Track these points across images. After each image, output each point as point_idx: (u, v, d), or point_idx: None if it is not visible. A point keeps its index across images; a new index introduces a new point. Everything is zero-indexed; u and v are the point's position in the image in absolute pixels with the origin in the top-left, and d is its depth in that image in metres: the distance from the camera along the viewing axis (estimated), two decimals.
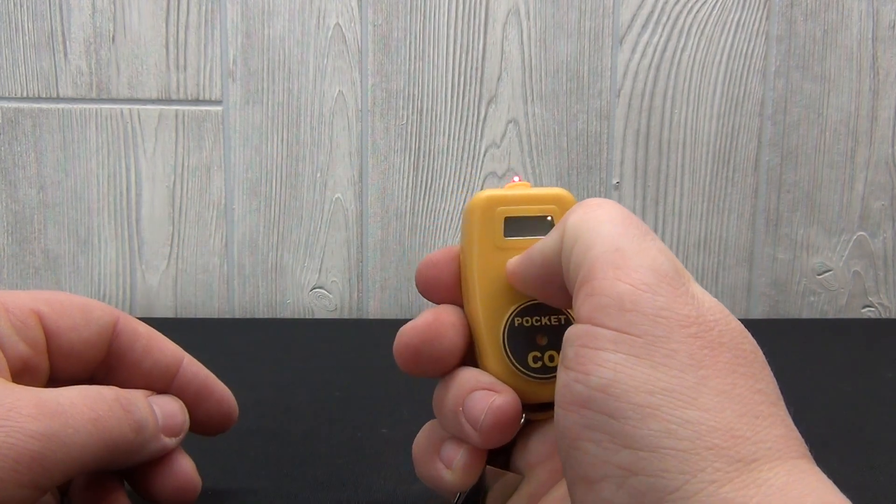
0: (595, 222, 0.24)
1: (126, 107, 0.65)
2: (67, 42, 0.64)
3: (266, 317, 0.68)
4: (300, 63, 0.65)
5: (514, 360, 0.28)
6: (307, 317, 0.68)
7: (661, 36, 0.66)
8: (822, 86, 0.66)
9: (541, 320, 0.28)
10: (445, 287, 0.30)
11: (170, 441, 0.30)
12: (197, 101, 0.65)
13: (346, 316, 0.68)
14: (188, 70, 0.65)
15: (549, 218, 0.29)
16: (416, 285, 0.30)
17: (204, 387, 0.33)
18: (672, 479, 0.19)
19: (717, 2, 0.65)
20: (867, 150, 0.67)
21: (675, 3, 0.65)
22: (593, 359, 0.21)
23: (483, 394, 0.27)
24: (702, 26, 0.66)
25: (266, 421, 0.43)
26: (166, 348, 0.32)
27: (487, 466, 0.28)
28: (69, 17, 0.64)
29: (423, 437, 0.29)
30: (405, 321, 0.29)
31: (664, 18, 0.66)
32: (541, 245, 0.26)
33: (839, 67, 0.66)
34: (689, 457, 0.20)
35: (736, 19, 0.66)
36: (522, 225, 0.29)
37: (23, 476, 0.24)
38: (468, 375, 0.28)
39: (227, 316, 0.67)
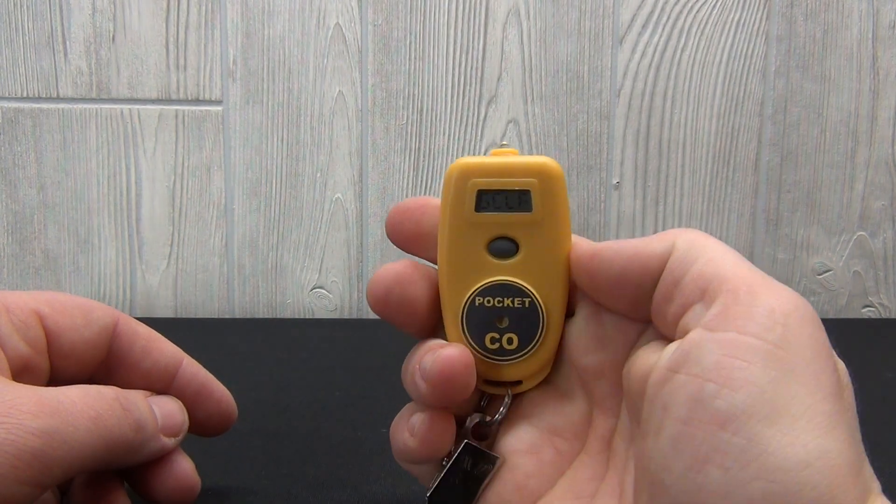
0: (720, 249, 0.24)
1: (126, 107, 0.65)
2: (67, 42, 0.64)
3: (266, 317, 0.68)
4: (300, 63, 0.65)
5: (471, 340, 0.27)
6: (307, 317, 0.68)
7: (661, 36, 0.66)
8: (822, 86, 0.66)
9: (503, 301, 0.27)
10: (412, 235, 0.28)
11: (169, 441, 0.30)
12: (197, 101, 0.65)
13: (346, 316, 0.68)
14: (188, 70, 0.65)
15: (527, 192, 0.27)
16: (386, 228, 0.29)
17: (203, 387, 0.33)
18: None
19: (717, 2, 0.65)
20: (867, 150, 0.67)
21: (675, 3, 0.65)
22: (742, 372, 0.20)
23: (436, 348, 0.27)
24: (702, 26, 0.66)
25: (266, 421, 0.43)
26: (166, 349, 0.32)
27: (467, 444, 0.28)
28: (69, 17, 0.64)
29: (399, 414, 0.29)
30: None
31: (664, 18, 0.66)
32: (633, 249, 0.25)
33: (839, 67, 0.66)
34: (824, 492, 0.19)
35: (736, 19, 0.66)
36: (498, 199, 0.27)
37: (23, 473, 0.24)
38: (431, 342, 0.28)
39: (227, 316, 0.67)
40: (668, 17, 0.66)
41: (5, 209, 0.66)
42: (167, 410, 0.30)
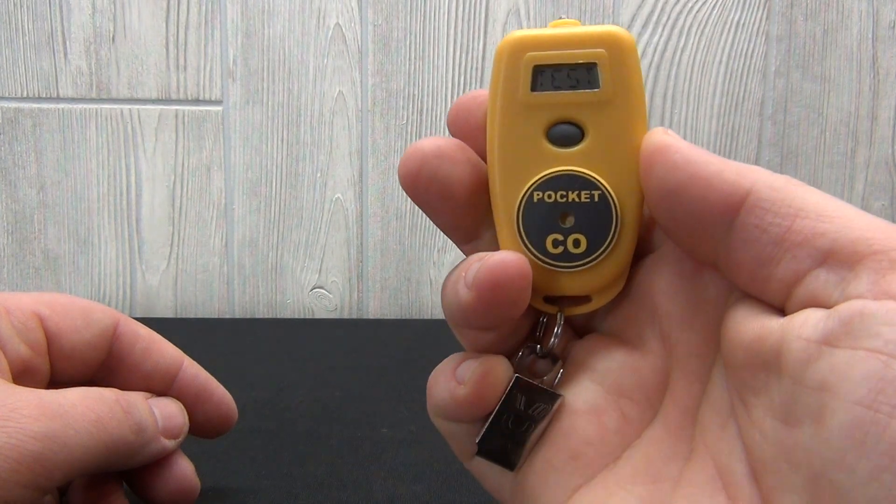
0: (820, 197, 0.20)
1: (126, 107, 0.65)
2: (67, 42, 0.64)
3: (266, 317, 0.68)
4: (300, 63, 0.65)
5: (528, 242, 0.23)
6: (307, 317, 0.68)
7: (661, 36, 0.66)
8: (822, 86, 0.66)
9: (567, 195, 0.23)
10: (475, 125, 0.24)
11: (169, 443, 0.30)
12: (197, 101, 0.65)
13: (346, 316, 0.68)
14: (188, 70, 0.65)
15: (594, 66, 0.22)
16: (448, 118, 0.25)
17: (203, 389, 0.33)
18: None
19: (717, 2, 0.65)
20: (867, 150, 0.67)
21: (675, 3, 0.65)
22: None
23: (484, 255, 0.22)
24: (702, 26, 0.66)
25: (266, 421, 0.43)
26: (166, 351, 0.32)
27: (518, 378, 0.23)
28: (69, 17, 0.64)
29: (439, 365, 0.25)
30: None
31: (664, 18, 0.66)
32: (702, 168, 0.21)
33: (839, 67, 0.66)
34: None
35: (736, 19, 0.66)
36: (558, 76, 0.22)
37: (24, 476, 0.24)
38: (482, 253, 0.23)
39: (227, 316, 0.68)
40: (668, 17, 0.66)
41: (5, 209, 0.66)
42: (167, 412, 0.30)
